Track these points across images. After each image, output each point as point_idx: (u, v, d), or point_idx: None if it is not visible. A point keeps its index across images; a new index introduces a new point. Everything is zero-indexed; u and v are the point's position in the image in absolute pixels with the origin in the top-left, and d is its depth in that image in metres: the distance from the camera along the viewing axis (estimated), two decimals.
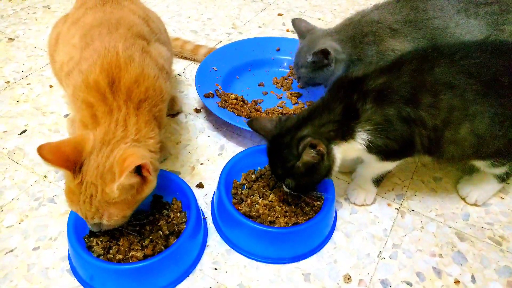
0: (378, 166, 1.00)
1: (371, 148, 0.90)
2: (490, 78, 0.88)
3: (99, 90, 0.84)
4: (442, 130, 0.90)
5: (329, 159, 0.90)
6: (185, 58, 1.62)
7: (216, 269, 0.94)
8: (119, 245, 0.91)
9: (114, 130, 0.82)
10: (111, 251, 0.90)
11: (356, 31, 1.22)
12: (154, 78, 0.91)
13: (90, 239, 0.93)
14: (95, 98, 0.84)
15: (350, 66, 1.24)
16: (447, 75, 0.88)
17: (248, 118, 1.29)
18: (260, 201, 1.02)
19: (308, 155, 0.86)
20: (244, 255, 0.97)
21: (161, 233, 0.93)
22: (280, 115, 0.96)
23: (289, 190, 0.94)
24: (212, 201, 1.08)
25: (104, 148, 0.80)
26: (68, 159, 0.77)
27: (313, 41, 1.27)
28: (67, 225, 0.90)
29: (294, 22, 1.36)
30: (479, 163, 1.02)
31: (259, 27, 1.85)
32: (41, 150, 0.75)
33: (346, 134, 0.90)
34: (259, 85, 1.47)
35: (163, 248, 0.90)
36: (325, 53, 1.19)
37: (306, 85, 1.37)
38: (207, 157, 1.22)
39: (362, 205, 1.08)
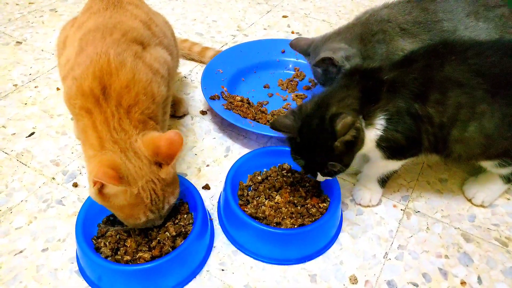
0: (383, 165, 1.00)
1: (382, 140, 0.90)
2: (501, 79, 0.88)
3: (94, 96, 0.87)
4: (449, 128, 0.90)
5: (362, 130, 0.88)
6: (192, 59, 1.63)
7: (222, 270, 0.95)
8: (126, 246, 0.92)
9: (117, 136, 0.85)
10: (119, 252, 0.91)
11: (364, 29, 1.21)
12: (146, 82, 0.93)
13: (98, 240, 0.94)
14: (92, 104, 0.87)
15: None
16: (457, 72, 0.88)
17: (253, 119, 1.29)
18: (266, 202, 1.03)
19: (349, 134, 0.83)
20: (251, 256, 0.97)
21: (168, 234, 0.94)
22: (291, 108, 0.94)
23: (327, 176, 0.91)
24: (219, 202, 1.09)
25: (129, 153, 0.84)
26: (121, 176, 0.81)
27: (316, 53, 1.25)
28: (75, 226, 0.91)
29: (292, 44, 1.35)
30: (486, 163, 1.02)
31: (264, 29, 1.86)
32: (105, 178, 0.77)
33: (366, 117, 0.88)
34: (265, 87, 1.48)
35: (170, 249, 0.91)
36: (326, 60, 1.18)
37: None
38: (213, 158, 1.23)
39: (368, 206, 1.09)
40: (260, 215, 0.99)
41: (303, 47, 1.33)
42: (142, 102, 0.90)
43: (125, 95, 0.88)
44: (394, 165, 1.00)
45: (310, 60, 1.30)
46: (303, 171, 0.99)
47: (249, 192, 1.07)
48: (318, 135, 0.86)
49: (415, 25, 1.17)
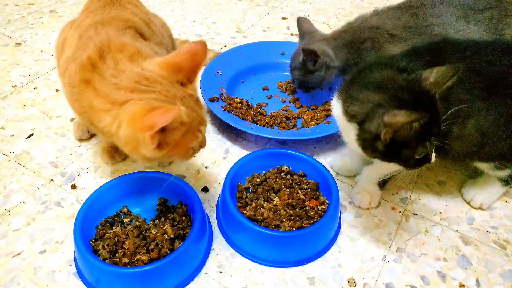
0: (389, 166, 0.98)
1: None
2: (497, 77, 0.89)
3: (92, 63, 0.84)
4: (450, 124, 0.89)
5: None
6: None
7: (221, 272, 0.95)
8: (125, 248, 0.92)
9: (116, 80, 0.81)
10: (117, 255, 0.91)
11: (354, 37, 1.24)
12: (147, 51, 0.91)
13: (96, 242, 0.94)
14: (90, 72, 0.83)
15: (346, 72, 1.25)
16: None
17: (252, 121, 1.29)
18: (264, 204, 1.03)
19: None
20: (249, 259, 0.97)
21: (166, 236, 0.94)
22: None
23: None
24: (217, 204, 1.09)
25: (141, 84, 0.80)
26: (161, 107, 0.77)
27: (309, 44, 1.28)
28: (74, 228, 0.91)
29: (299, 21, 1.38)
30: (483, 165, 1.02)
31: (264, 31, 1.86)
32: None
33: None
34: (264, 89, 1.48)
35: (169, 252, 0.91)
36: (314, 54, 1.21)
37: (299, 88, 1.37)
38: (212, 160, 1.22)
39: (367, 208, 1.08)
40: (258, 217, 0.99)
41: (304, 29, 1.36)
42: (146, 56, 0.88)
43: (128, 45, 0.87)
44: (397, 165, 0.99)
45: (301, 43, 1.34)
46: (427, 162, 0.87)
47: (248, 194, 1.07)
48: (429, 97, 0.80)
49: (406, 29, 1.19)
